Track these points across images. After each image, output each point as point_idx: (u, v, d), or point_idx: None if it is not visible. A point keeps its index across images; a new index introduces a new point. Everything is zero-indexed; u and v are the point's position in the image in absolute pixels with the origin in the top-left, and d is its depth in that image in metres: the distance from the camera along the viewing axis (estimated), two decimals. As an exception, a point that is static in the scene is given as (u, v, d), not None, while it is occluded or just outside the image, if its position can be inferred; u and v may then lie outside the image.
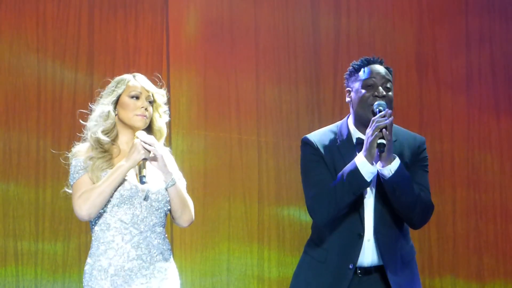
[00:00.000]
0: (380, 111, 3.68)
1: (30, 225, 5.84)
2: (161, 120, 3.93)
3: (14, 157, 5.83)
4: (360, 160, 3.65)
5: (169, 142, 6.02)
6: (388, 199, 3.74)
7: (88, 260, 3.83)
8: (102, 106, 3.86)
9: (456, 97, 6.62)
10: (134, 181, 3.79)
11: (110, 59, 6.07)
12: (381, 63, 3.85)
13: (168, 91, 5.87)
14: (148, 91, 3.87)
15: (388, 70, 3.85)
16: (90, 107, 3.94)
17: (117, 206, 3.77)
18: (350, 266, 3.75)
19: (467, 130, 6.61)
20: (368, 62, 3.84)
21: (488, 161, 6.61)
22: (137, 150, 3.72)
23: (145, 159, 3.73)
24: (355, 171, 3.65)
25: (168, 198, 3.84)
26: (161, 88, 3.98)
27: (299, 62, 6.37)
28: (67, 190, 3.88)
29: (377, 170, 3.69)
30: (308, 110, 6.39)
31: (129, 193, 3.77)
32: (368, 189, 3.76)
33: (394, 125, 3.78)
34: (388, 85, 3.77)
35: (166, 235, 3.91)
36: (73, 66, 5.96)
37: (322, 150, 3.83)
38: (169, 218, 5.62)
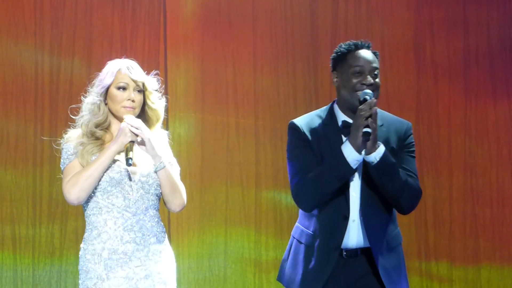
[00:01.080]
0: (365, 100, 3.69)
1: (28, 209, 5.86)
2: (155, 105, 3.90)
3: (12, 141, 5.87)
4: (346, 148, 3.68)
5: (166, 125, 6.07)
6: (375, 183, 3.78)
7: (82, 245, 3.83)
8: (92, 98, 3.86)
9: (453, 81, 6.60)
10: (124, 164, 3.77)
11: (107, 42, 6.07)
12: (368, 48, 3.85)
13: (165, 74, 6.08)
14: (135, 81, 3.83)
15: (375, 55, 3.85)
16: (82, 99, 3.93)
17: (107, 189, 3.77)
18: (335, 248, 3.77)
19: (464, 115, 6.56)
20: (356, 47, 3.82)
21: (485, 146, 6.60)
22: (124, 133, 3.70)
23: (132, 142, 3.71)
24: (341, 158, 3.67)
25: (159, 181, 3.83)
26: (157, 76, 3.96)
27: (297, 46, 6.35)
28: (62, 176, 3.89)
29: (363, 158, 3.73)
30: (306, 94, 6.38)
31: (119, 176, 3.76)
32: (354, 176, 3.80)
33: (380, 110, 3.80)
34: (376, 72, 3.78)
35: (159, 218, 3.90)
36: (70, 50, 5.97)
37: (308, 134, 3.84)
38: None
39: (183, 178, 5.92)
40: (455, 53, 6.63)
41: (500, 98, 6.63)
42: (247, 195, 6.25)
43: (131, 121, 3.75)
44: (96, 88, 3.87)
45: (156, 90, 3.92)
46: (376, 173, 3.68)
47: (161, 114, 3.93)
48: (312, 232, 3.86)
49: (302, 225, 3.93)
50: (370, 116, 3.63)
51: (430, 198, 6.46)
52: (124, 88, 3.82)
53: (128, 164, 3.66)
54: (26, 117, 5.86)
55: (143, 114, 3.91)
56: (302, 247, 3.89)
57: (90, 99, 3.86)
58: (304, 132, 3.85)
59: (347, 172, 3.70)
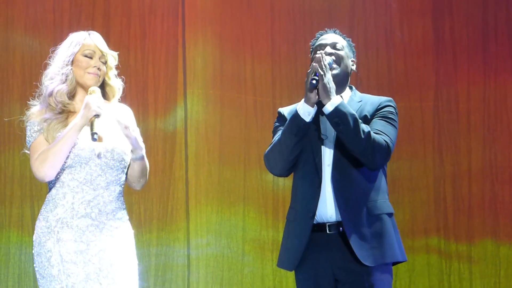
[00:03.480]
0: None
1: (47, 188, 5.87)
2: (111, 81, 3.90)
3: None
4: (300, 103, 3.79)
5: (184, 102, 6.14)
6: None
7: (39, 216, 3.80)
8: (59, 68, 3.82)
9: (472, 58, 6.56)
10: (89, 140, 3.72)
11: (126, 20, 6.08)
12: (335, 32, 4.03)
13: (184, 51, 6.07)
14: (102, 51, 3.83)
15: (341, 37, 4.02)
16: (43, 73, 3.90)
17: (71, 165, 3.73)
18: (310, 217, 3.78)
19: (483, 91, 6.54)
20: (321, 34, 4.04)
21: (504, 122, 6.56)
22: (88, 107, 3.67)
23: (96, 116, 3.67)
24: (295, 113, 3.77)
25: (124, 157, 3.80)
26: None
27: (315, 24, 6.29)
28: (26, 151, 3.85)
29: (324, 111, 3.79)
30: (323, 71, 6.37)
31: (84, 153, 3.73)
32: (327, 140, 3.84)
33: (363, 93, 3.96)
34: (338, 46, 3.92)
35: (121, 194, 3.86)
36: (89, 27, 5.53)
37: (288, 117, 3.93)
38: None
39: (201, 155, 6.12)
40: (474, 29, 6.59)
41: (520, 74, 6.61)
42: (264, 173, 6.22)
43: (120, 118, 3.74)
44: (61, 58, 3.84)
45: (115, 68, 3.92)
46: (332, 121, 3.73)
47: (117, 91, 3.91)
48: (293, 207, 3.91)
49: (290, 204, 3.98)
50: (318, 67, 3.75)
51: (449, 175, 6.45)
52: (90, 56, 3.82)
53: (93, 139, 3.62)
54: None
55: (99, 88, 3.89)
56: (288, 224, 3.94)
57: (56, 69, 3.83)
58: (284, 116, 3.97)
59: (300, 124, 3.75)
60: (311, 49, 4.07)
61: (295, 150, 3.82)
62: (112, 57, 3.88)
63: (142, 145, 3.78)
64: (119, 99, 3.96)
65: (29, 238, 5.68)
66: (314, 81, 3.70)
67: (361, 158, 3.76)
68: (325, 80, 3.71)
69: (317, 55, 3.75)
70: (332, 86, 3.73)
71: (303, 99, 3.76)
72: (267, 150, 3.90)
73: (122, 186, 3.84)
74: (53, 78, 3.80)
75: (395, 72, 6.52)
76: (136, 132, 3.74)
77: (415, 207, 6.45)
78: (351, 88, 4.01)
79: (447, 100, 6.54)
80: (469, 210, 6.48)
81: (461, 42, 6.57)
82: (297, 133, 3.77)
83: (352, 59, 4.00)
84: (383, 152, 3.75)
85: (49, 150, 3.68)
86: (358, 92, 3.99)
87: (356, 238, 3.73)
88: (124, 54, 5.50)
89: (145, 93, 6.06)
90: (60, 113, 3.78)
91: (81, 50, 3.81)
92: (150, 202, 6.09)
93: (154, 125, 6.11)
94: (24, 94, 5.87)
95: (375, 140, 3.73)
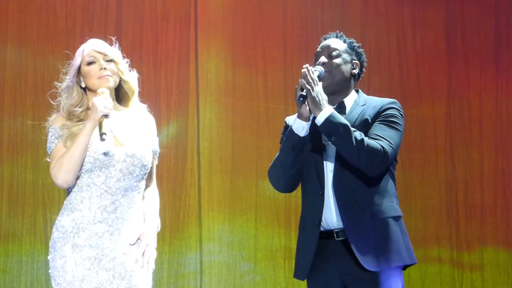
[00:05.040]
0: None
1: (59, 195, 5.85)
2: (125, 76, 3.86)
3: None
4: (293, 118, 3.81)
5: (196, 109, 6.11)
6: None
7: (56, 221, 3.78)
8: (66, 82, 3.85)
9: (485, 64, 6.57)
10: (109, 144, 3.72)
11: (138, 27, 6.08)
12: (337, 37, 4.03)
13: (196, 58, 6.05)
14: (100, 52, 3.81)
15: (341, 40, 4.02)
16: (57, 85, 3.91)
17: (91, 169, 3.71)
18: (317, 224, 3.78)
19: (495, 98, 6.56)
20: (325, 39, 4.06)
21: (516, 129, 6.62)
22: (94, 109, 3.65)
23: (104, 116, 3.64)
24: (289, 129, 3.78)
25: (144, 163, 3.78)
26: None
27: (327, 29, 6.00)
28: (48, 160, 3.85)
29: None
30: (336, 79, 6.37)
31: (103, 156, 3.71)
32: (329, 146, 3.82)
33: (370, 96, 3.93)
34: (334, 53, 3.93)
35: (140, 201, 3.82)
36: (101, 34, 5.65)
37: None
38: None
39: (214, 162, 6.11)
40: (486, 36, 6.58)
41: (532, 81, 6.57)
42: (276, 180, 6.21)
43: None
44: (69, 72, 3.87)
45: (123, 59, 3.89)
46: (325, 132, 3.72)
47: (134, 86, 3.89)
48: (302, 216, 3.92)
49: (301, 213, 3.98)
50: (306, 81, 3.74)
51: (461, 182, 6.45)
52: (93, 62, 3.81)
53: (102, 139, 3.59)
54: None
55: (118, 91, 3.88)
56: (298, 234, 3.95)
57: (64, 83, 3.85)
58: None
59: (295, 140, 3.75)
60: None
61: (295, 164, 3.82)
62: (115, 52, 3.87)
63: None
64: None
65: (41, 246, 5.81)
66: (301, 98, 3.71)
67: (357, 166, 3.74)
68: (313, 94, 3.69)
69: (302, 70, 3.74)
70: (322, 97, 3.71)
71: (296, 114, 3.78)
72: (269, 168, 3.91)
73: (141, 193, 3.81)
74: (62, 93, 3.85)
75: (407, 80, 6.52)
76: (146, 265, 3.75)
77: (427, 214, 6.44)
78: (357, 91, 3.98)
79: (459, 107, 6.56)
80: (481, 217, 6.48)
81: (473, 49, 6.57)
82: (293, 149, 3.78)
83: (355, 61, 3.97)
84: (377, 158, 3.71)
85: (63, 156, 3.67)
86: (363, 95, 3.96)
87: (359, 243, 3.71)
88: (136, 60, 5.24)
89: (157, 100, 6.05)
90: (79, 120, 3.79)
91: (83, 62, 3.82)
92: (162, 209, 5.52)
93: (166, 132, 6.09)
94: (36, 101, 5.88)
95: (369, 147, 3.69)
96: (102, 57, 3.80)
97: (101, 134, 3.59)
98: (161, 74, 6.15)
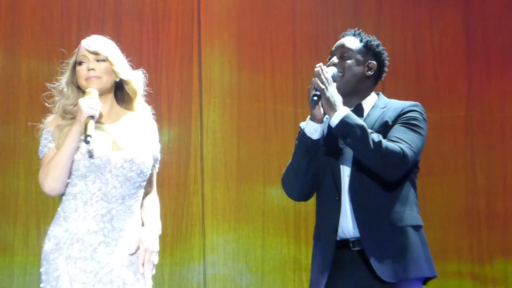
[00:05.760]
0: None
1: (54, 204, 5.64)
2: (123, 74, 3.77)
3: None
4: (305, 121, 3.78)
5: (199, 112, 6.12)
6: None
7: (48, 231, 3.70)
8: (61, 81, 3.82)
9: (507, 66, 6.51)
10: (105, 149, 3.66)
11: (138, 24, 6.06)
12: (354, 35, 4.00)
13: (199, 57, 6.11)
14: (92, 52, 3.75)
15: (358, 39, 3.97)
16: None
17: (86, 175, 3.63)
18: (333, 232, 3.74)
19: (518, 101, 6.52)
20: (343, 36, 4.03)
21: (541, 133, 6.56)
22: (80, 110, 3.60)
23: (90, 117, 3.59)
24: (301, 132, 3.77)
25: (143, 169, 3.71)
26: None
27: (338, 27, 6.22)
28: None
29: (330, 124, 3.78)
30: (349, 78, 6.37)
31: (99, 161, 3.63)
32: (346, 151, 3.79)
33: (391, 99, 3.92)
34: (346, 54, 3.92)
35: (138, 210, 3.74)
36: (98, 32, 5.75)
37: None
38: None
39: (218, 168, 6.21)
40: (508, 34, 6.55)
41: (556, 82, 6.53)
42: (285, 187, 6.18)
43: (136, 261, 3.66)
44: (66, 71, 3.85)
45: (116, 56, 3.81)
46: (340, 134, 3.69)
47: (137, 87, 3.81)
48: (317, 225, 3.89)
49: (315, 223, 3.97)
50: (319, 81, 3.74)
51: (482, 189, 6.45)
52: (82, 62, 3.75)
53: (86, 142, 3.53)
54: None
55: (121, 93, 3.84)
56: (313, 245, 3.92)
57: (60, 82, 3.81)
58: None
59: (307, 143, 3.74)
60: None
61: (310, 170, 3.79)
62: (107, 49, 3.78)
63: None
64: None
65: (34, 258, 5.70)
66: (315, 97, 3.68)
67: (374, 170, 3.70)
68: (328, 94, 3.68)
69: (316, 69, 3.72)
70: (336, 98, 3.70)
71: (309, 117, 3.75)
72: (283, 174, 3.90)
73: (139, 201, 3.73)
74: (57, 92, 3.82)
75: (424, 81, 6.51)
76: (148, 273, 3.66)
77: (447, 224, 6.39)
78: (378, 94, 3.95)
79: (480, 110, 6.50)
80: (504, 227, 6.39)
81: (494, 48, 6.56)
82: (306, 153, 3.76)
83: (370, 62, 3.92)
84: (397, 161, 3.65)
85: (50, 163, 3.62)
86: (384, 98, 3.92)
87: (376, 253, 3.68)
88: (136, 60, 5.20)
89: (158, 102, 5.95)
90: (72, 118, 3.72)
91: (77, 61, 3.79)
92: (163, 218, 5.67)
93: (167, 136, 6.08)
94: (30, 104, 5.85)
95: (387, 149, 3.64)
96: (93, 57, 3.75)
97: (86, 136, 3.53)
98: (162, 75, 6.14)
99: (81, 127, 3.58)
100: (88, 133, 3.53)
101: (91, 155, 3.56)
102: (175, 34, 6.08)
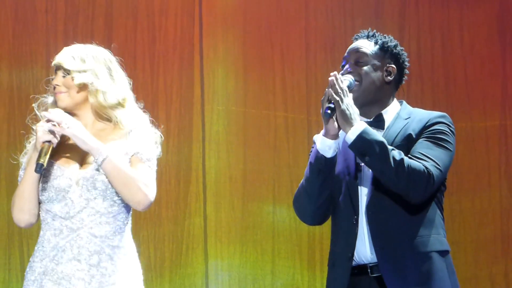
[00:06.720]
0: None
1: (38, 225, 5.87)
2: (92, 87, 3.61)
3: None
4: (317, 137, 3.74)
5: (201, 120, 6.03)
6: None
7: (30, 258, 3.68)
8: (48, 98, 3.77)
9: (545, 67, 6.56)
10: (71, 171, 3.57)
11: (132, 22, 5.96)
12: (368, 37, 3.90)
13: (201, 60, 6.03)
14: (56, 66, 3.65)
15: (373, 41, 3.85)
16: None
17: (52, 199, 3.56)
18: (348, 258, 3.66)
19: (557, 105, 6.43)
20: (356, 39, 3.95)
21: None
22: (37, 136, 3.54)
23: (47, 142, 3.48)
24: (314, 149, 3.72)
25: (109, 185, 3.59)
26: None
27: (357, 26, 5.93)
28: None
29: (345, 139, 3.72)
30: (367, 82, 6.22)
31: (61, 184, 3.53)
32: (365, 169, 3.71)
33: (416, 108, 3.84)
34: (361, 60, 3.81)
35: (119, 230, 3.61)
36: (88, 31, 5.86)
37: None
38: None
39: (222, 184, 6.12)
40: None
41: None
42: (298, 204, 5.97)
43: (50, 116, 3.54)
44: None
45: (77, 67, 3.63)
46: (357, 151, 3.62)
47: (105, 100, 3.61)
48: (332, 250, 3.82)
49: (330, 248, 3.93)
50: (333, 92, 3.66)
51: (506, 208, 6.26)
52: (53, 76, 3.70)
53: (37, 171, 3.42)
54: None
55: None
56: (327, 271, 3.83)
57: (46, 97, 3.77)
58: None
59: (320, 161, 3.66)
60: None
61: (323, 191, 3.71)
62: (66, 60, 3.62)
63: (97, 144, 3.51)
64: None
65: (17, 285, 5.70)
66: (329, 110, 3.60)
67: (396, 191, 3.61)
68: (343, 106, 3.58)
69: (330, 78, 3.63)
70: (353, 111, 3.61)
71: (322, 131, 3.69)
72: (294, 196, 3.83)
73: (119, 220, 3.58)
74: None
75: (454, 87, 6.30)
76: (73, 130, 3.49)
77: (479, 247, 6.21)
78: (401, 103, 3.84)
79: None
80: None
81: None
82: (320, 172, 3.68)
83: (389, 66, 3.81)
84: (421, 182, 3.56)
85: (15, 193, 3.62)
86: (408, 107, 3.81)
87: (396, 282, 3.59)
88: (130, 63, 5.56)
89: (154, 110, 5.81)
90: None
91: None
92: (161, 240, 5.96)
93: (165, 148, 5.58)
94: (12, 114, 5.81)
95: (410, 168, 3.54)
96: (60, 71, 3.66)
97: (37, 164, 3.44)
98: (159, 79, 6.03)
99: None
100: (40, 161, 3.44)
101: (37, 171, 3.45)
102: (173, 33, 6.00)
